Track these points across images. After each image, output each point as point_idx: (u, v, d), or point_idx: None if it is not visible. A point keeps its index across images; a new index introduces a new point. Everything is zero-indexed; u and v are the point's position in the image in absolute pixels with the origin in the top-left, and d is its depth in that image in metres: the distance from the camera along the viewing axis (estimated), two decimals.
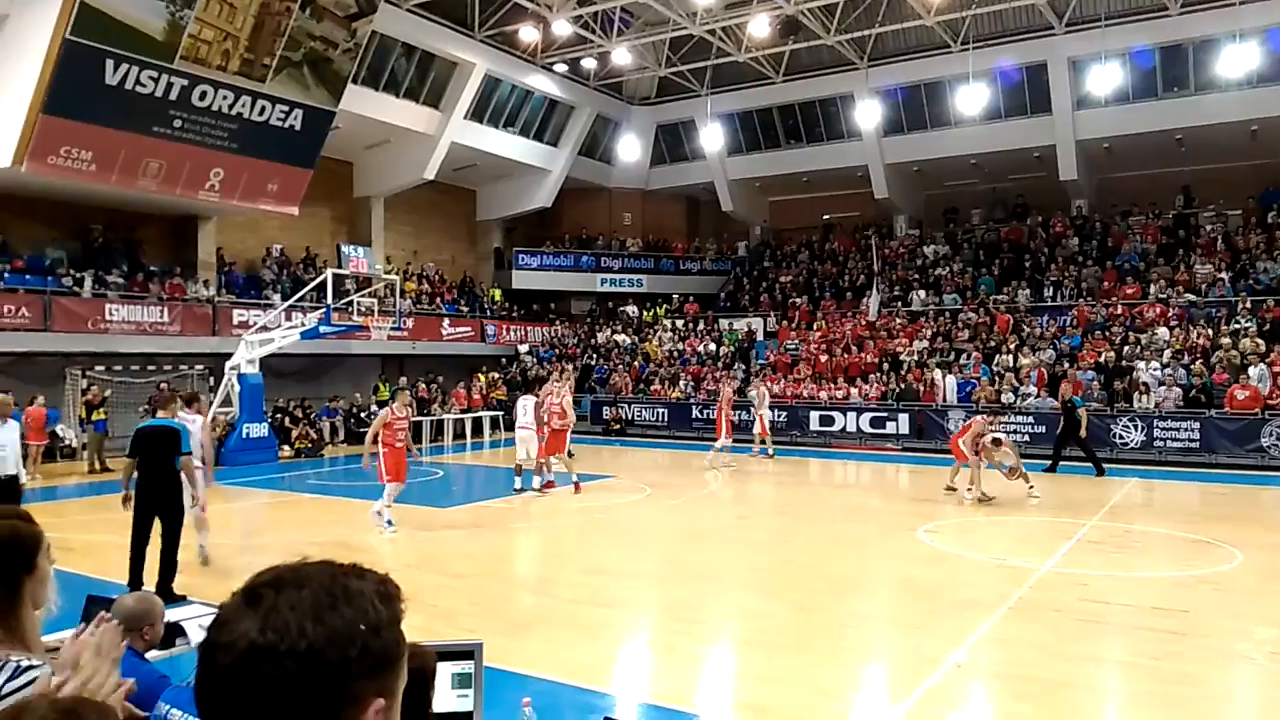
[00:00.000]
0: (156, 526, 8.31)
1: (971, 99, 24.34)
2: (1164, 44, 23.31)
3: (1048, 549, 10.10)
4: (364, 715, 1.01)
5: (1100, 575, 8.94)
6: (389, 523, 10.99)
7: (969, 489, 13.43)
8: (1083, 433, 16.71)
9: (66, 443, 18.96)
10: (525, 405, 14.45)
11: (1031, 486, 13.34)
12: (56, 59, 15.64)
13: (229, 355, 19.22)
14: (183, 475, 8.41)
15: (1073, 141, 24.83)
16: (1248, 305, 20.70)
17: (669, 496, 14.65)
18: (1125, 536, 11.14)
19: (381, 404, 21.41)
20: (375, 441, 11.23)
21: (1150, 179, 26.10)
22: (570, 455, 14.76)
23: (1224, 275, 22.42)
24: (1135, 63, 23.76)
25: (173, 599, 7.79)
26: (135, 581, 8.04)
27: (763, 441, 19.35)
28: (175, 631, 3.99)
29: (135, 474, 8.34)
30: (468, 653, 2.07)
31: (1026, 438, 19.13)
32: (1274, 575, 8.99)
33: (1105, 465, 16.50)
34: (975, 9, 23.49)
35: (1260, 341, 19.33)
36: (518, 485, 14.31)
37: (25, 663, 1.82)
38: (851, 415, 22.04)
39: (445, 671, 1.99)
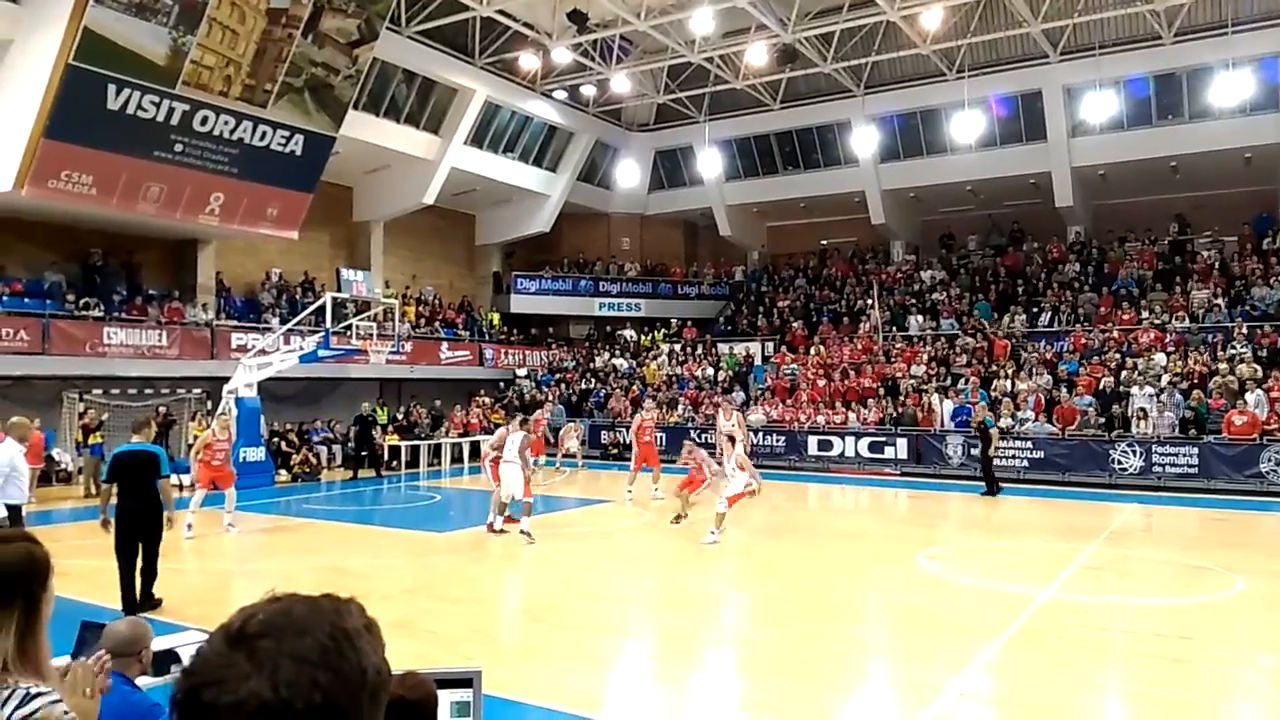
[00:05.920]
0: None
1: (967, 126, 24.54)
2: (1158, 72, 23.53)
3: (1048, 575, 10.04)
4: None
5: (1101, 602, 8.90)
6: (189, 525, 12.46)
7: None
8: (991, 452, 17.26)
9: (63, 466, 18.88)
10: (513, 440, 13.06)
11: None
12: (59, 84, 15.75)
13: (227, 379, 19.16)
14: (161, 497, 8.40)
15: (1068, 168, 24.99)
16: (1244, 331, 20.73)
17: (668, 521, 14.56)
18: (1125, 563, 11.08)
19: (366, 426, 21.50)
20: (198, 457, 13.41)
21: (1146, 205, 26.23)
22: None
23: (1220, 301, 22.48)
24: (1130, 91, 23.98)
25: (153, 604, 8.05)
26: (128, 607, 7.99)
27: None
28: (170, 658, 3.93)
29: (115, 499, 8.35)
30: (466, 680, 2.04)
31: (1025, 463, 19.16)
32: (1276, 603, 8.92)
33: (1104, 490, 16.52)
34: (971, 38, 23.71)
35: (1257, 367, 19.35)
36: (501, 523, 13.13)
37: (34, 690, 1.80)
38: (850, 440, 22.00)
39: (444, 699, 1.96)
